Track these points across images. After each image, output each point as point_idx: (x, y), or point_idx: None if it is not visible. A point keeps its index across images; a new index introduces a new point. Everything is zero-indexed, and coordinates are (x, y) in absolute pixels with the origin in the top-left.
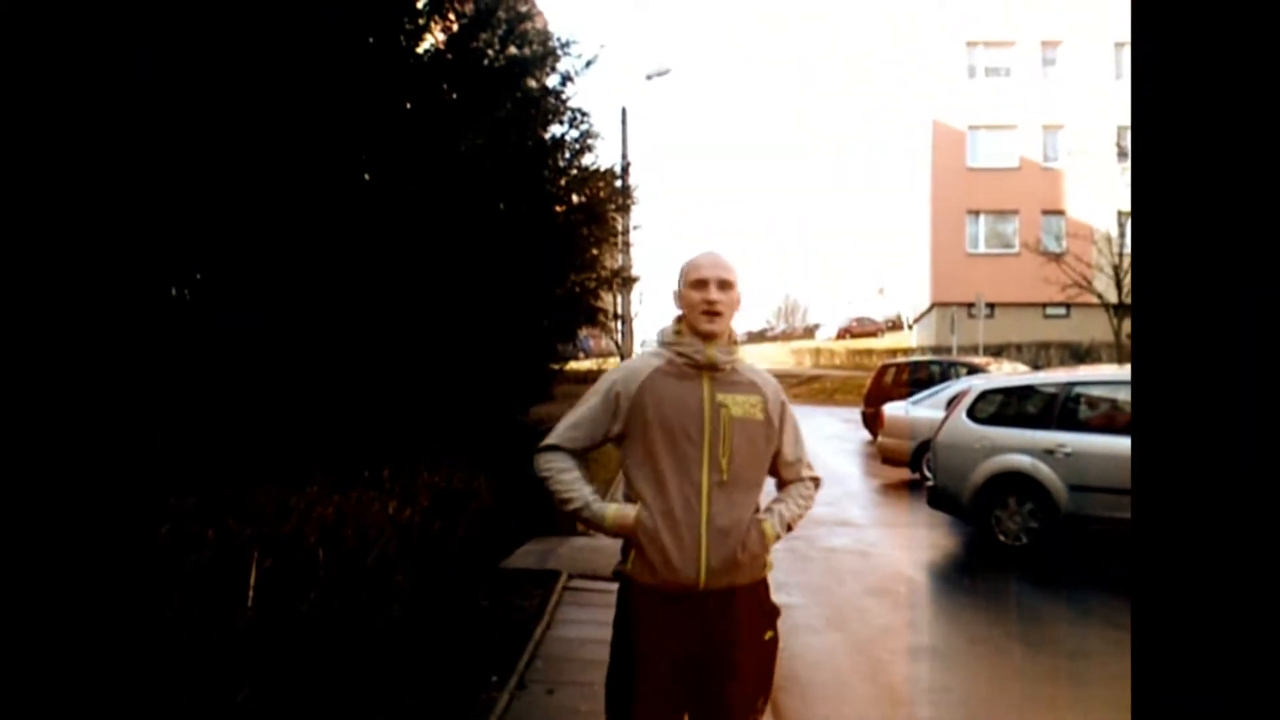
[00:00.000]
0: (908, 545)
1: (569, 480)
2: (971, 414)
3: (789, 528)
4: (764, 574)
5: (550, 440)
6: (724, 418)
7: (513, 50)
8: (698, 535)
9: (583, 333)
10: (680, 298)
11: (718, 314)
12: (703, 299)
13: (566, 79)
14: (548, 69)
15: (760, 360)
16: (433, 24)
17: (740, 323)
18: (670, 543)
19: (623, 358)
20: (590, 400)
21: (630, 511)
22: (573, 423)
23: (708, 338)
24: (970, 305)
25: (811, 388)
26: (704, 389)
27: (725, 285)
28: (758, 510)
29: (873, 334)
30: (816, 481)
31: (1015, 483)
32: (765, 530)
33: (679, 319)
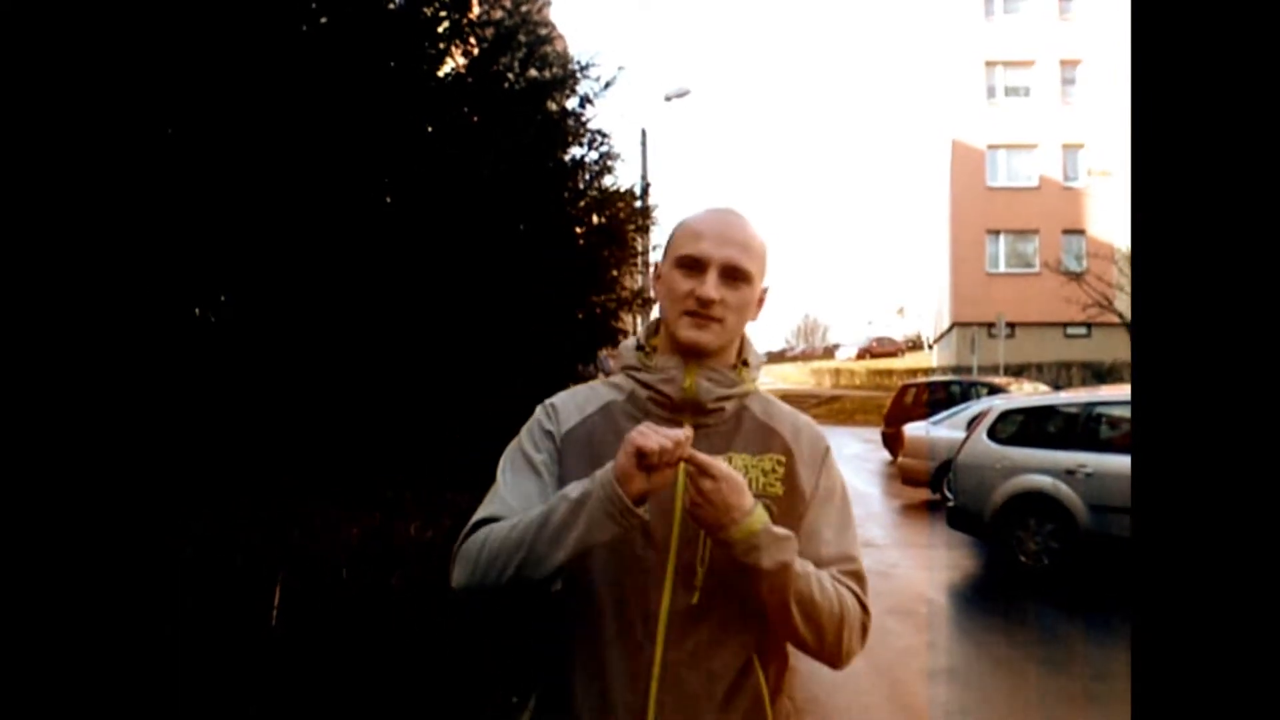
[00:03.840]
0: (928, 566)
1: (511, 523)
2: (992, 434)
3: (790, 587)
4: None
5: (469, 526)
6: None
7: (533, 73)
8: (643, 699)
9: (603, 353)
10: (660, 284)
11: (713, 320)
12: (691, 291)
13: (586, 101)
14: (568, 91)
15: (780, 381)
16: (453, 48)
17: (755, 341)
18: (593, 710)
19: None
20: (510, 459)
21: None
22: (495, 497)
23: (690, 354)
24: (991, 325)
25: (831, 408)
26: None
27: (735, 274)
28: (754, 657)
29: (893, 354)
30: (861, 601)
31: (1036, 503)
32: (754, 526)
33: (655, 323)
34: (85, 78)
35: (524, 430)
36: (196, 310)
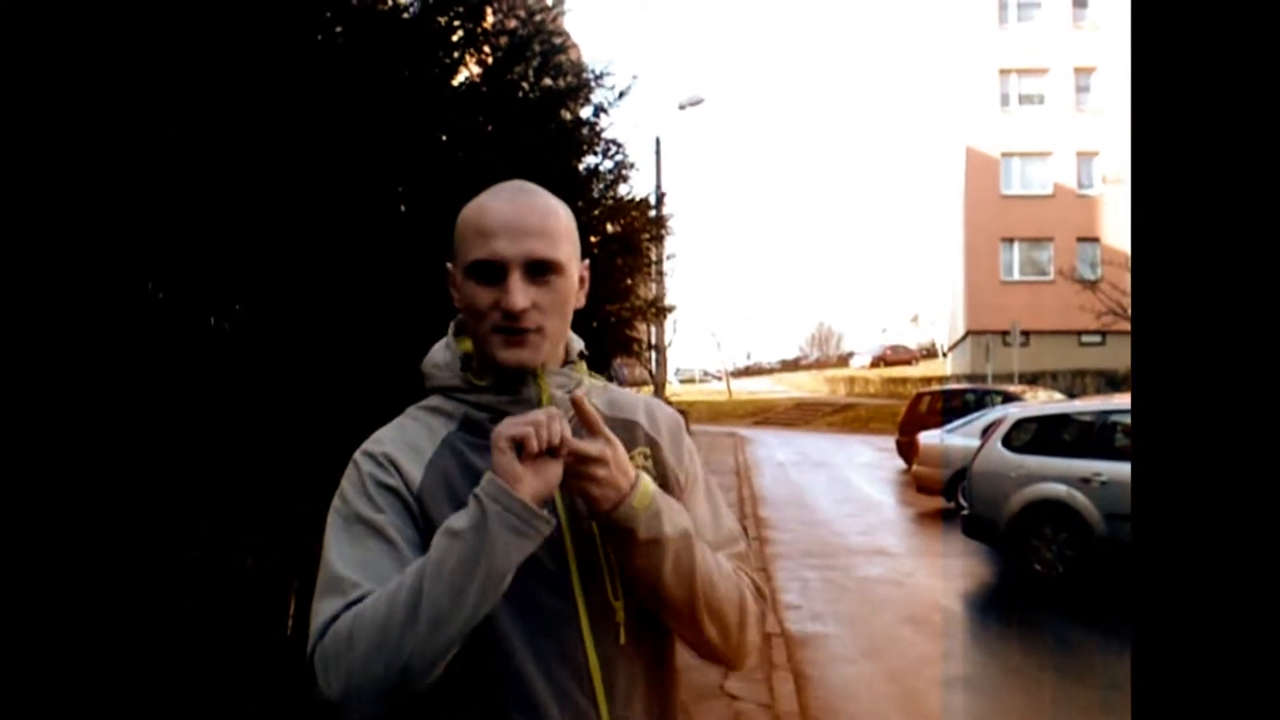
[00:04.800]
0: (943, 574)
1: (378, 598)
2: (1007, 442)
3: (681, 559)
4: None
5: (321, 622)
6: (595, 523)
7: (547, 82)
8: None
9: (617, 362)
10: (458, 292)
11: (528, 331)
12: (494, 303)
13: (600, 110)
14: (582, 100)
15: (794, 389)
16: (468, 56)
17: (769, 349)
18: None
19: (657, 388)
20: (343, 531)
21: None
22: (335, 583)
23: (515, 371)
24: (1005, 333)
25: (845, 416)
26: None
27: (543, 269)
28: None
29: (907, 362)
30: (757, 587)
31: (1051, 511)
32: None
33: (458, 322)
34: (107, 91)
35: (348, 489)
36: (212, 320)
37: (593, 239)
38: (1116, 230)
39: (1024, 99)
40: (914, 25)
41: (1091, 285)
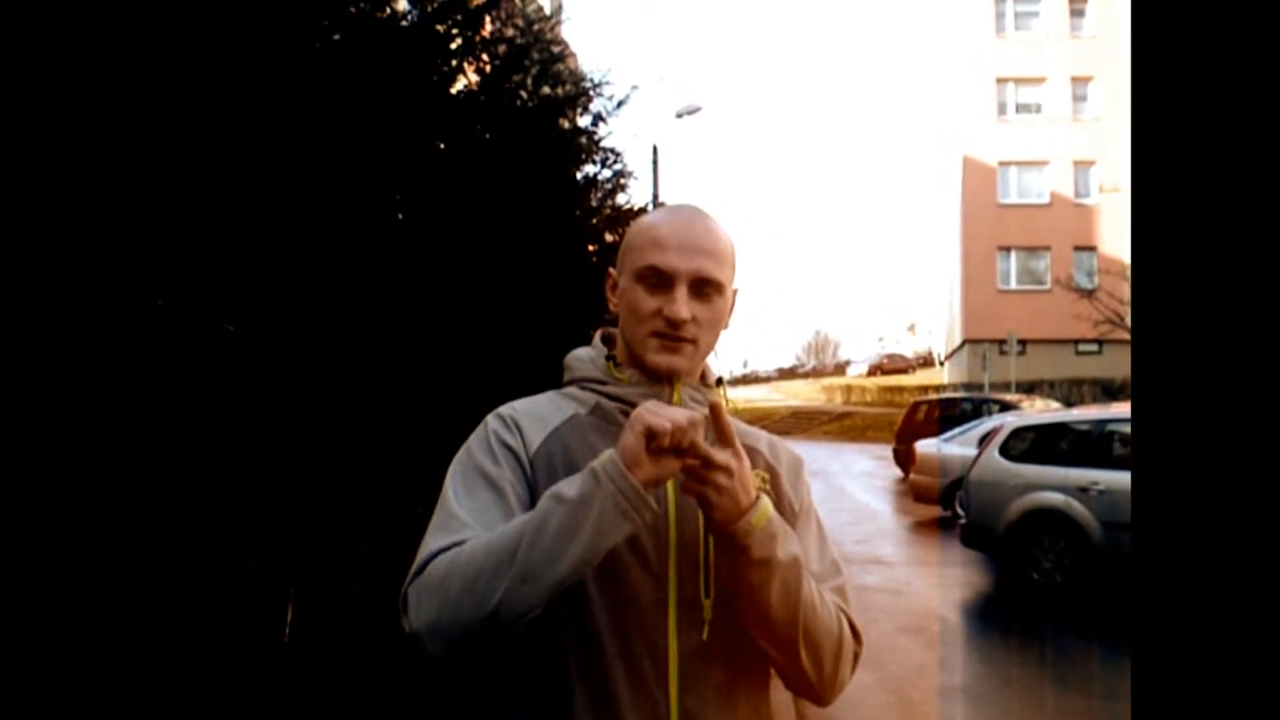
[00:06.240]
0: (940, 583)
1: (482, 542)
2: (1004, 451)
3: (788, 586)
4: None
5: (425, 555)
6: (702, 520)
7: (546, 90)
8: None
9: None
10: (618, 296)
11: (685, 341)
12: (658, 310)
13: (599, 119)
14: (579, 109)
15: (791, 398)
16: (466, 65)
17: (766, 357)
18: None
19: None
20: (462, 477)
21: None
22: (448, 522)
23: (663, 376)
24: (1002, 342)
25: (842, 424)
26: None
27: (706, 286)
28: (766, 700)
29: (904, 370)
30: (855, 631)
31: (1049, 520)
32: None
33: (604, 332)
34: (107, 96)
35: (473, 443)
36: (212, 322)
37: (590, 248)
38: (1113, 239)
39: (1021, 108)
40: (911, 34)
41: (1088, 294)
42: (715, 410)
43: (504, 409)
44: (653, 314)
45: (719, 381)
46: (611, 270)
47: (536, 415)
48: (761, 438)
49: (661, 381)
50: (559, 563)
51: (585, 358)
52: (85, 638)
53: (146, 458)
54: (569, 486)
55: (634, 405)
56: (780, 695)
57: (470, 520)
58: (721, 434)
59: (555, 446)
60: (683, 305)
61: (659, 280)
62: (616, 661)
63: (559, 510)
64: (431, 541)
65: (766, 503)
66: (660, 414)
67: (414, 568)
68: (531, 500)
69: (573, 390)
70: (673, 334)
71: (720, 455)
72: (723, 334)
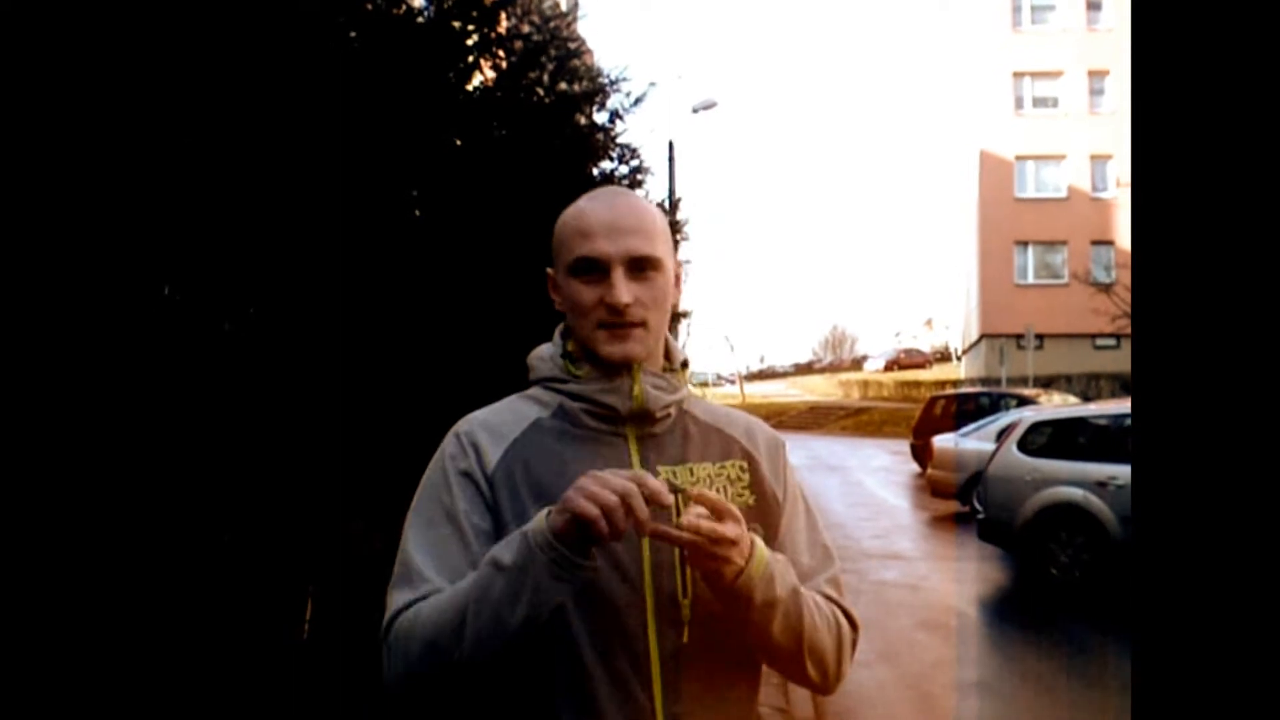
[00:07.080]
0: (958, 579)
1: (437, 604)
2: (1022, 446)
3: (786, 611)
4: None
5: (391, 613)
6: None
7: (562, 87)
8: None
9: None
10: (560, 294)
11: (633, 325)
12: (600, 299)
13: (616, 115)
14: (596, 105)
15: (808, 393)
16: (482, 61)
17: (783, 353)
18: None
19: None
20: (424, 516)
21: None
22: (410, 574)
23: (618, 365)
24: (1019, 336)
25: (859, 420)
26: (630, 458)
27: (643, 265)
28: (755, 696)
29: (921, 365)
30: (852, 620)
31: (1067, 515)
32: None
33: (565, 326)
34: (121, 95)
35: (433, 471)
36: (226, 324)
37: None
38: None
39: (1038, 102)
40: (927, 29)
41: (1106, 289)
42: (699, 498)
43: (461, 426)
44: (594, 305)
45: (684, 365)
46: (550, 270)
47: (492, 428)
48: (738, 423)
49: (620, 372)
50: (506, 626)
51: (545, 356)
52: (102, 636)
53: (164, 456)
54: (506, 551)
55: (597, 403)
56: (797, 690)
57: (426, 567)
58: (715, 510)
59: (515, 462)
60: (622, 290)
61: (593, 270)
62: (598, 667)
63: (499, 579)
64: (395, 597)
65: (760, 546)
66: (593, 495)
67: (383, 624)
68: (493, 526)
69: (536, 391)
70: (619, 320)
71: (729, 530)
72: (731, 332)
